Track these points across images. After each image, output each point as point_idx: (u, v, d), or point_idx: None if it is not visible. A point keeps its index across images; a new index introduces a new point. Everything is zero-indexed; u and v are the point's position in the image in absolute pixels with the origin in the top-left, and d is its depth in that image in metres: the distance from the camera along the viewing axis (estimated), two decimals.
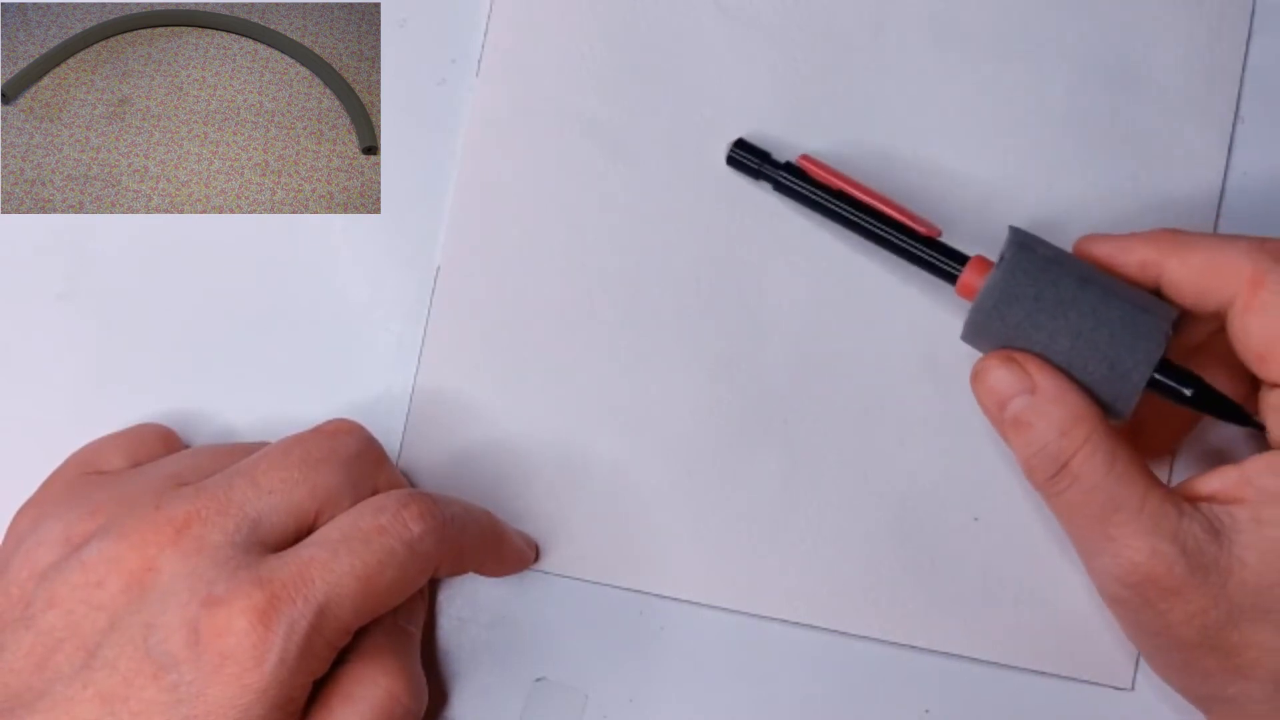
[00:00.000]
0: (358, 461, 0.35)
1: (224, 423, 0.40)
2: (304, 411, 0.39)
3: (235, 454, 0.36)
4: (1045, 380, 0.34)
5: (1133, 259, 0.35)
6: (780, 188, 0.38)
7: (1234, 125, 0.40)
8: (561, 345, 0.39)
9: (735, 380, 0.39)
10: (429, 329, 0.40)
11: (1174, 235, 0.35)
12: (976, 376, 0.35)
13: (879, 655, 0.39)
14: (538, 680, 0.39)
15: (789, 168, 0.38)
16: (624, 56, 0.40)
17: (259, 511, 0.33)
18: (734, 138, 0.39)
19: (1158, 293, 0.35)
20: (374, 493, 0.35)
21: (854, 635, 0.39)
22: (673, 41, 0.40)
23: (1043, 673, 0.38)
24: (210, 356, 0.40)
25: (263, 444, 0.36)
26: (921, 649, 0.39)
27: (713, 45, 0.40)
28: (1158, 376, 0.34)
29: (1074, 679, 0.38)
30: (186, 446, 0.39)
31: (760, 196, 0.40)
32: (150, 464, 0.36)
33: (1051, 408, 0.34)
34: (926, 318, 0.39)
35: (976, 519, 0.39)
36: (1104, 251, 0.35)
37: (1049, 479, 0.34)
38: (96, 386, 0.40)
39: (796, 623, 0.39)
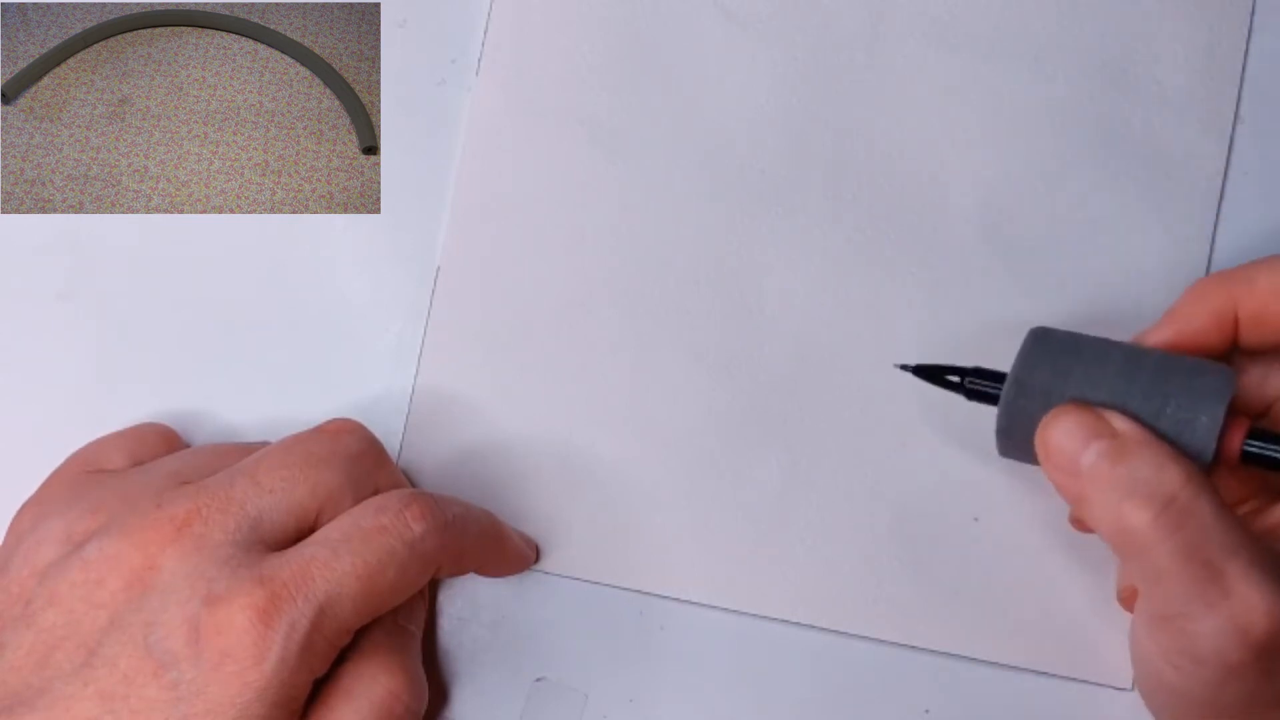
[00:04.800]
0: (359, 461, 0.35)
1: (224, 422, 0.40)
2: (304, 411, 0.39)
3: (236, 453, 0.36)
4: (1124, 424, 0.32)
5: (1201, 311, 0.33)
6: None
7: (1234, 125, 0.40)
8: (562, 345, 0.39)
9: (735, 381, 0.39)
10: (429, 329, 0.40)
11: (1222, 275, 0.34)
12: (1044, 428, 0.32)
13: (879, 655, 0.39)
14: (538, 680, 0.39)
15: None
16: (624, 56, 0.40)
17: (259, 510, 0.33)
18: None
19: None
20: (375, 492, 0.35)
21: (854, 635, 0.39)
22: (673, 41, 0.40)
23: (1042, 673, 0.38)
24: (211, 356, 0.40)
25: (264, 444, 0.36)
26: (921, 649, 0.38)
27: (712, 45, 0.40)
28: (1250, 446, 0.32)
29: (1073, 679, 0.38)
30: (188, 446, 0.39)
31: (760, 197, 0.40)
32: (152, 463, 0.37)
33: (1140, 448, 0.31)
34: (926, 318, 0.39)
35: (976, 519, 0.39)
36: (1167, 332, 0.34)
37: (1155, 518, 0.30)
38: (96, 386, 0.40)
39: (797, 623, 0.38)
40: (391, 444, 0.39)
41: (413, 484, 0.39)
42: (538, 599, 0.39)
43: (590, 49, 0.40)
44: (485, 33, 0.40)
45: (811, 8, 0.40)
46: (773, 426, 0.39)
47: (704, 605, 0.39)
